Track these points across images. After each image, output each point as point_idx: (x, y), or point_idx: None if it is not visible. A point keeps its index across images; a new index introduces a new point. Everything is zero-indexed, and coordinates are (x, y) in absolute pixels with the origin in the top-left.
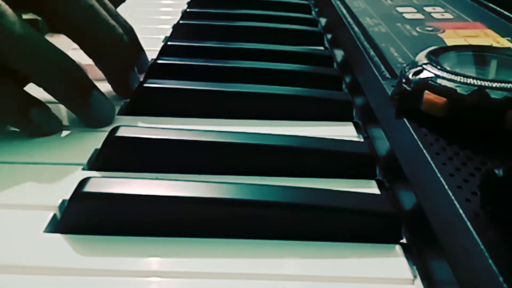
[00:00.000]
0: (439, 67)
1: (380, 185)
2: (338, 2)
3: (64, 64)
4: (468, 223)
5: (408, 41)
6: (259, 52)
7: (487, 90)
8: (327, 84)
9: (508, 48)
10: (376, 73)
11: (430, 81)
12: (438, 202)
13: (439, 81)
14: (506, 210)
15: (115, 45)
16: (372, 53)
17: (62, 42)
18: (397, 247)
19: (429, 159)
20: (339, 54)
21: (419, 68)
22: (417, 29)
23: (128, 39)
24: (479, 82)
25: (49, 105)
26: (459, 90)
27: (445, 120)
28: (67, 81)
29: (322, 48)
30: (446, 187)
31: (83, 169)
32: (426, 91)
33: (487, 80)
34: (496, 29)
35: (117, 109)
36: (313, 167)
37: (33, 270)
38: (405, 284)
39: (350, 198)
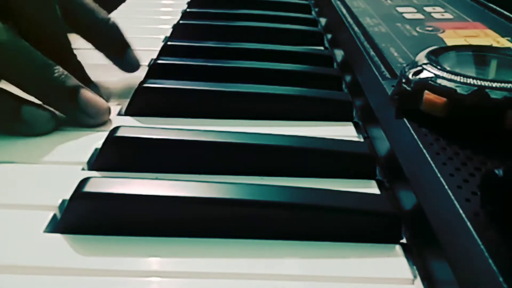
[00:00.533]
0: (439, 67)
1: (380, 185)
2: (338, 2)
3: (49, 70)
4: (468, 223)
5: (408, 41)
6: (259, 52)
7: (487, 90)
8: (327, 84)
9: (508, 48)
10: (376, 73)
11: (430, 81)
12: (438, 202)
13: (439, 81)
14: (506, 210)
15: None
16: (372, 53)
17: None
18: (397, 247)
19: (429, 159)
20: (339, 54)
21: (419, 68)
22: (417, 29)
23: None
24: (479, 82)
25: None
26: (459, 90)
27: (445, 120)
28: (54, 86)
29: (322, 48)
30: (446, 187)
31: (83, 169)
32: (426, 91)
33: (487, 80)
34: (496, 29)
35: (117, 109)
36: (313, 167)
37: (33, 270)
38: (405, 284)
39: (350, 198)
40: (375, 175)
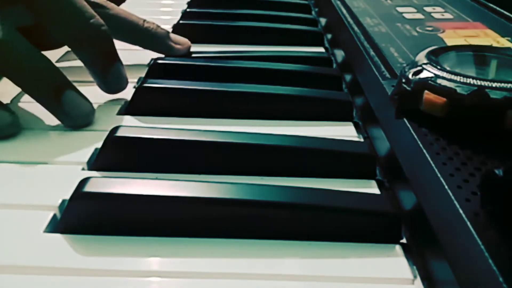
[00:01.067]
0: (439, 67)
1: (380, 185)
2: (338, 2)
3: (36, 61)
4: (468, 223)
5: (408, 41)
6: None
7: (487, 90)
8: (327, 84)
9: (508, 48)
10: (376, 73)
11: (430, 81)
12: (438, 202)
13: (439, 81)
14: (506, 210)
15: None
16: (372, 53)
17: None
18: (397, 247)
19: (429, 159)
20: (339, 54)
21: (419, 68)
22: (417, 29)
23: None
24: (479, 82)
25: None
26: (459, 90)
27: (445, 120)
28: (39, 78)
29: (322, 48)
30: (446, 187)
31: (83, 169)
32: (426, 91)
33: (487, 80)
34: (496, 29)
35: (117, 109)
36: (313, 167)
37: (33, 270)
38: (405, 284)
39: (350, 198)
40: (375, 175)
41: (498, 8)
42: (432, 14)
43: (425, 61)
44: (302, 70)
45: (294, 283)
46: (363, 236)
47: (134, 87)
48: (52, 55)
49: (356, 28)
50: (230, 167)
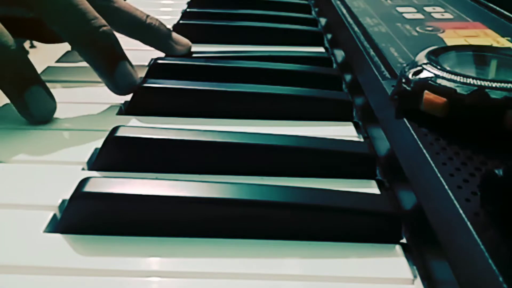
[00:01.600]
0: (439, 67)
1: (380, 185)
2: (338, 2)
3: (7, 51)
4: (468, 223)
5: (408, 41)
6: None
7: (487, 90)
8: (327, 84)
9: (508, 48)
10: (376, 73)
11: (430, 81)
12: (438, 202)
13: (439, 81)
14: (506, 210)
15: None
16: (372, 53)
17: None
18: (397, 247)
19: (429, 159)
20: (339, 54)
21: (419, 68)
22: (417, 29)
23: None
24: (479, 82)
25: None
26: (459, 90)
27: (445, 120)
28: (6, 69)
29: (322, 48)
30: (446, 187)
31: (83, 169)
32: (426, 91)
33: (487, 80)
34: (496, 29)
35: (117, 109)
36: (313, 167)
37: (33, 270)
38: (405, 284)
39: (350, 198)
40: (375, 175)
41: (498, 8)
42: (432, 14)
43: (425, 61)
44: (302, 70)
45: (294, 283)
46: (363, 236)
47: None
48: (53, 55)
49: (356, 28)
50: (230, 167)
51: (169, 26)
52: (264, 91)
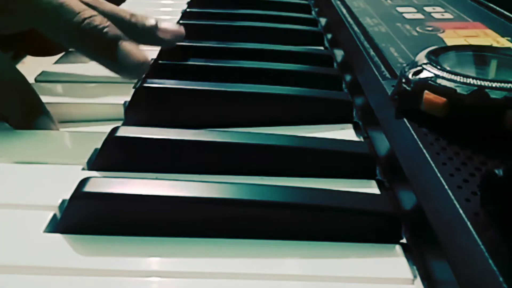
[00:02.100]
0: (439, 67)
1: (380, 185)
2: (338, 2)
3: (16, 84)
4: (468, 223)
5: (408, 41)
6: (259, 52)
7: (487, 90)
8: (327, 84)
9: (508, 48)
10: (376, 73)
11: (429, 81)
12: (438, 202)
13: (438, 81)
14: (506, 210)
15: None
16: (372, 53)
17: None
18: (397, 247)
19: (429, 159)
20: (339, 54)
21: (419, 68)
22: (417, 29)
23: None
24: (478, 82)
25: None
26: (458, 90)
27: (445, 120)
28: (16, 102)
29: (322, 48)
30: (446, 187)
31: (83, 169)
32: (426, 91)
33: (486, 80)
34: (496, 29)
35: (117, 110)
36: (313, 167)
37: (33, 270)
38: (405, 284)
39: (350, 198)
40: (375, 175)
41: (498, 8)
42: (432, 14)
43: (425, 61)
44: (302, 70)
45: (294, 283)
46: (363, 236)
47: (134, 87)
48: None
49: (356, 28)
50: (230, 167)
51: None
52: (263, 91)
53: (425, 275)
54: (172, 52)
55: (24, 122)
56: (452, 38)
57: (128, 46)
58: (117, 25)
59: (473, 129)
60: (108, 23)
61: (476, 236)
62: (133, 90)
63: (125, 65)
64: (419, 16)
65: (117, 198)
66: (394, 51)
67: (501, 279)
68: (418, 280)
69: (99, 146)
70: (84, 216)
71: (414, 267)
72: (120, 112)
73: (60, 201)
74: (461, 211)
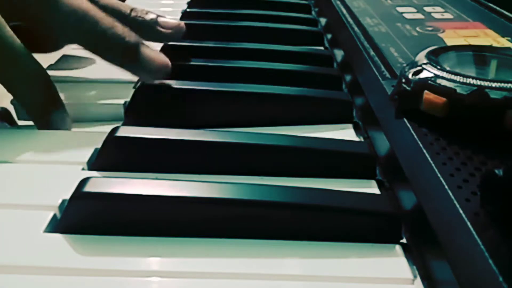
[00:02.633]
0: (438, 67)
1: (380, 185)
2: (338, 2)
3: (39, 76)
4: (468, 223)
5: (408, 41)
6: (259, 52)
7: (487, 90)
8: (327, 84)
9: (508, 48)
10: (376, 73)
11: (429, 81)
12: (438, 202)
13: (438, 81)
14: (506, 210)
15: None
16: (372, 53)
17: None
18: (397, 247)
19: (429, 159)
20: (339, 54)
21: (419, 68)
22: (417, 29)
23: None
24: (478, 82)
25: None
26: (458, 90)
27: (445, 120)
28: (38, 93)
29: (322, 48)
30: (446, 187)
31: (83, 169)
32: (426, 91)
33: (486, 80)
34: (496, 29)
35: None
36: (313, 167)
37: (33, 270)
38: (405, 284)
39: (350, 198)
40: (375, 175)
41: (498, 8)
42: (432, 14)
43: (425, 61)
44: (302, 70)
45: (294, 283)
46: (363, 236)
47: (134, 87)
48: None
49: (356, 28)
50: (230, 167)
51: None
52: (263, 91)
53: (425, 275)
54: (172, 52)
55: (43, 114)
56: (452, 38)
57: (148, 51)
58: (117, 19)
59: (473, 129)
60: (129, 31)
61: (476, 236)
62: (133, 90)
63: (148, 69)
64: (419, 16)
65: (117, 198)
66: (394, 51)
67: (501, 279)
68: (418, 280)
69: (99, 146)
70: (84, 216)
71: (414, 267)
72: (120, 112)
73: (60, 201)
74: (461, 211)
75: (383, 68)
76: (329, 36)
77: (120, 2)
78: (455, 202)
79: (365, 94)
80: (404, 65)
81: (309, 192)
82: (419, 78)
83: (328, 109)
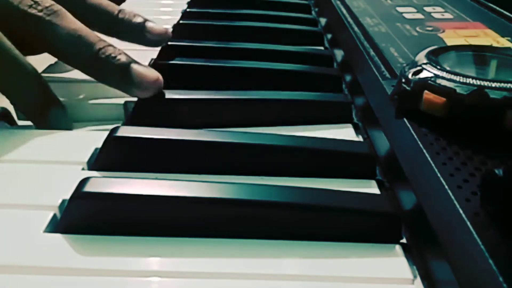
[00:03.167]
0: (438, 67)
1: (380, 185)
2: (338, 2)
3: (34, 79)
4: (468, 223)
5: (408, 41)
6: (259, 52)
7: (486, 90)
8: (327, 84)
9: (508, 48)
10: (376, 73)
11: (429, 81)
12: (438, 202)
13: (438, 81)
14: (506, 210)
15: None
16: (372, 53)
17: None
18: (397, 247)
19: (429, 159)
20: (339, 54)
21: (419, 68)
22: (417, 29)
23: None
24: (478, 82)
25: None
26: (458, 90)
27: (445, 120)
28: (33, 95)
29: (322, 48)
30: (446, 187)
31: (83, 169)
32: (426, 91)
33: (486, 80)
34: (496, 29)
35: (117, 111)
36: (313, 167)
37: (33, 270)
38: (405, 284)
39: (350, 198)
40: (375, 175)
41: (498, 8)
42: (432, 14)
43: (425, 61)
44: (302, 70)
45: (294, 283)
46: (363, 236)
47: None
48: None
49: (356, 28)
50: (230, 167)
51: (169, 26)
52: (263, 97)
53: (425, 275)
54: (172, 52)
55: (40, 114)
56: (452, 38)
57: (139, 68)
58: (104, 19)
59: (473, 129)
60: (120, 50)
61: (476, 236)
62: None
63: (141, 87)
64: (419, 16)
65: (117, 198)
66: (394, 51)
67: (501, 279)
68: (418, 280)
69: (99, 146)
70: (84, 216)
71: (414, 267)
72: (120, 112)
73: (60, 201)
74: (461, 211)
75: (383, 68)
76: (329, 36)
77: (109, 2)
78: (455, 202)
79: (365, 94)
80: (404, 65)
81: (309, 192)
82: (419, 78)
83: (328, 112)
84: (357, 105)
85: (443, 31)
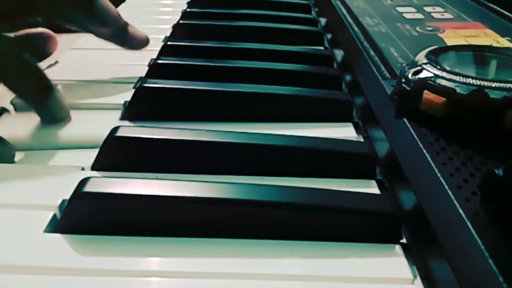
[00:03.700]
0: (438, 67)
1: (380, 185)
2: (338, 2)
3: (35, 73)
4: (468, 223)
5: (408, 41)
6: (259, 52)
7: (486, 90)
8: (327, 84)
9: (508, 48)
10: (376, 73)
11: (429, 81)
12: (438, 202)
13: (438, 81)
14: (506, 209)
15: None
16: (372, 53)
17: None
18: (397, 247)
19: (429, 159)
20: (339, 54)
21: (419, 68)
22: (417, 29)
23: None
24: (478, 82)
25: None
26: (458, 90)
27: (445, 120)
28: (30, 83)
29: (322, 48)
30: (446, 187)
31: (83, 169)
32: (426, 91)
33: (486, 80)
34: (496, 29)
35: (118, 112)
36: (313, 167)
37: (33, 270)
38: (405, 284)
39: (350, 198)
40: (375, 175)
41: (498, 8)
42: (432, 14)
43: (425, 61)
44: (302, 70)
45: (294, 283)
46: (363, 236)
47: (134, 87)
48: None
49: (356, 28)
50: (230, 167)
51: (169, 26)
52: (263, 91)
53: (425, 275)
54: (172, 52)
55: (39, 99)
56: (452, 38)
57: (133, 30)
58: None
59: (473, 129)
60: (120, 15)
61: (476, 236)
62: (133, 90)
63: (133, 43)
64: (419, 16)
65: (117, 198)
66: (394, 51)
67: (501, 279)
68: (418, 280)
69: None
70: (84, 216)
71: (414, 267)
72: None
73: (60, 201)
74: (461, 211)
75: (383, 68)
76: (329, 36)
77: None
78: (455, 202)
79: (365, 94)
80: (404, 65)
81: (309, 192)
82: (419, 78)
83: (328, 109)
84: (357, 105)
85: (443, 31)
